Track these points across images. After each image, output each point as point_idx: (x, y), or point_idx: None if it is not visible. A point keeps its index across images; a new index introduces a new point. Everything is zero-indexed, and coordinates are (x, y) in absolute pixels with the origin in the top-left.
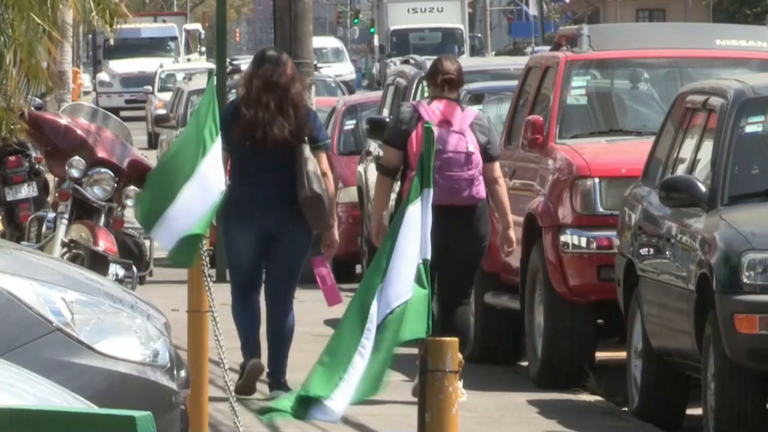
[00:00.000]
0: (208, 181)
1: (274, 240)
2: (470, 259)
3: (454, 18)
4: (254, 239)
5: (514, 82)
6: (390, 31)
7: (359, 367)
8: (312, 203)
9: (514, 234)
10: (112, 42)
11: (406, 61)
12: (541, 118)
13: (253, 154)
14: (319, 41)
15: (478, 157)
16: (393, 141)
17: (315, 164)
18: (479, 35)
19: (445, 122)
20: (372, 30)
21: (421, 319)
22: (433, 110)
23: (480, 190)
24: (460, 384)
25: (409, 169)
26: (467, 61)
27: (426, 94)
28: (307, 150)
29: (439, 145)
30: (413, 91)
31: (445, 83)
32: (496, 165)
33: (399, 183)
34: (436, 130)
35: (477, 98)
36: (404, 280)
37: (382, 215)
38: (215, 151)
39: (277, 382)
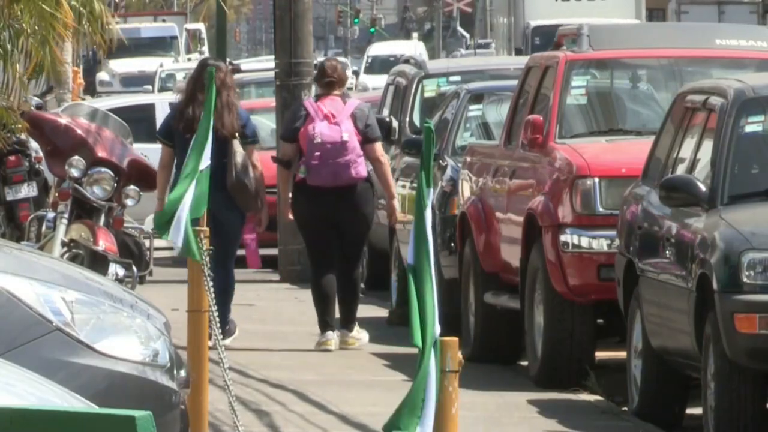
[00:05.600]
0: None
1: (214, 219)
2: (357, 229)
3: (623, 9)
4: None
5: (514, 82)
6: (530, 28)
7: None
8: (238, 189)
9: (398, 204)
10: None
11: (407, 61)
12: (541, 118)
13: None
14: (399, 46)
15: (353, 143)
16: (288, 137)
17: (243, 156)
18: None
19: (328, 116)
20: (372, 30)
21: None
22: (318, 107)
23: (360, 170)
24: (360, 334)
25: (302, 158)
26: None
27: (426, 94)
28: (236, 144)
29: (319, 138)
30: (413, 90)
31: (327, 85)
32: (377, 146)
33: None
34: (317, 124)
35: (477, 98)
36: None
37: (286, 198)
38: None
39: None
